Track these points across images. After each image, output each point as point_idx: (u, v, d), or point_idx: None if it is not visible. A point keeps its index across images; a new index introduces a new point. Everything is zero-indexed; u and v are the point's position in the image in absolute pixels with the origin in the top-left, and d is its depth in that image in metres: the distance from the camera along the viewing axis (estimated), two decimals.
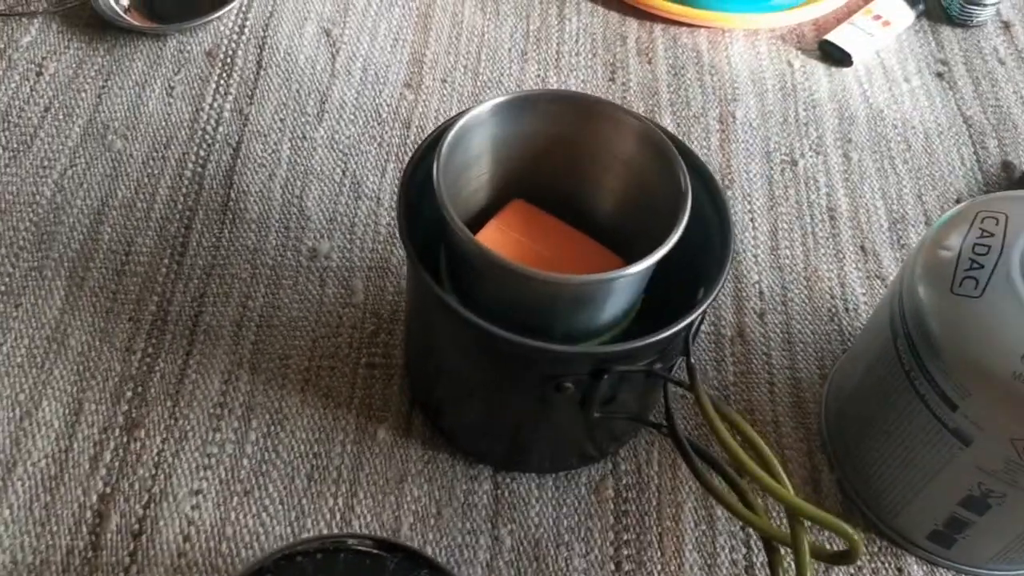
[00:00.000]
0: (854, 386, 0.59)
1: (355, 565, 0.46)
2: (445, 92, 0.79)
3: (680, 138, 0.57)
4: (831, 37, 0.85)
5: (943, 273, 0.51)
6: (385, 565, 0.46)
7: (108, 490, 0.57)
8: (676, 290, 0.54)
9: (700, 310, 0.49)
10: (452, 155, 0.50)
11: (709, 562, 0.57)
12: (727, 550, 0.57)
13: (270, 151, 0.74)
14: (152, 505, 0.56)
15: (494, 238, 0.54)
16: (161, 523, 0.56)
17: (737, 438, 0.48)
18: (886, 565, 0.58)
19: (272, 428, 0.60)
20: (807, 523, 0.46)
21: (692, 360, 0.50)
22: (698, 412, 0.55)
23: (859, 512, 0.59)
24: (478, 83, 0.80)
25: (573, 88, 0.81)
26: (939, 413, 0.51)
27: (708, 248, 0.54)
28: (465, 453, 0.59)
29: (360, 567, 0.46)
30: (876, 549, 0.58)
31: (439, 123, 0.68)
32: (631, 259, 0.49)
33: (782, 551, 0.48)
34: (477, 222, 0.56)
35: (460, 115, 0.51)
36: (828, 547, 0.51)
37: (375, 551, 0.46)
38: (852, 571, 0.57)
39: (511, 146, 0.53)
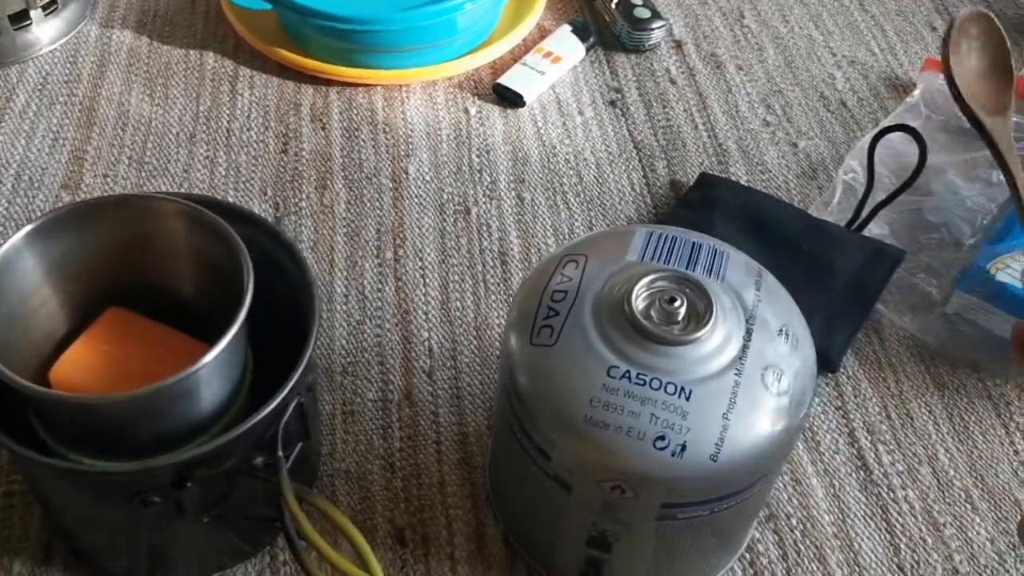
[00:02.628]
0: (496, 435, 0.60)
1: None
2: (107, 187, 0.77)
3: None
4: (503, 80, 0.86)
5: (526, 323, 0.52)
6: None
7: None
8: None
9: (265, 412, 0.48)
10: None
11: None
12: None
13: None
14: None
15: (82, 354, 0.53)
16: None
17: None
18: None
19: None
20: None
21: (280, 453, 0.49)
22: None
23: (522, 561, 0.60)
24: (143, 173, 0.78)
25: (243, 165, 0.80)
26: (540, 463, 0.51)
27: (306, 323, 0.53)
28: (107, 573, 0.57)
29: None
30: None
31: None
32: None
33: None
34: (70, 339, 0.54)
35: None
36: None
37: None
38: None
39: (74, 262, 0.52)
